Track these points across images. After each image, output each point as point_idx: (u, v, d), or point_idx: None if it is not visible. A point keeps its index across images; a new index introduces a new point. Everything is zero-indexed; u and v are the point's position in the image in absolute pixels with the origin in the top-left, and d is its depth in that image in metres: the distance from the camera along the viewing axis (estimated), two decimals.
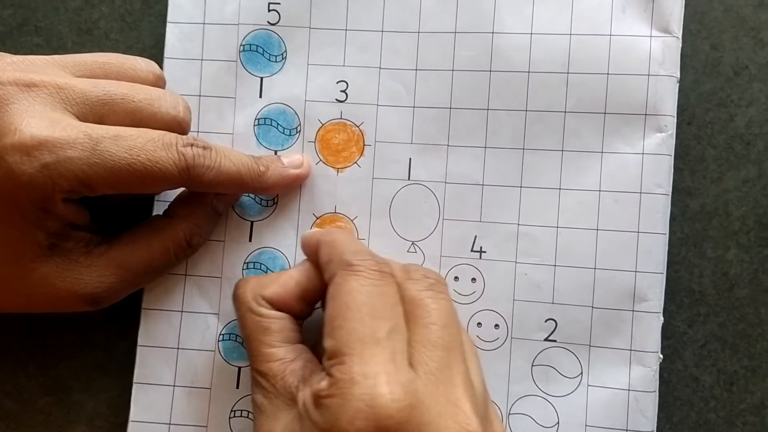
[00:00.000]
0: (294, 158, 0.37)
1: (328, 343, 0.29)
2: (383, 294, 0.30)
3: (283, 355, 0.31)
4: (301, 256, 0.36)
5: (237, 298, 0.33)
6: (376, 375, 0.28)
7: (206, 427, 0.36)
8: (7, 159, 0.30)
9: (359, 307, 0.29)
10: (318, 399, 0.28)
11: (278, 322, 0.32)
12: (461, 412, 0.29)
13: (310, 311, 0.34)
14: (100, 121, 0.32)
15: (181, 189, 0.36)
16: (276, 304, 0.33)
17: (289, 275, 0.33)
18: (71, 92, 0.32)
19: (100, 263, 0.33)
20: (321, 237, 0.33)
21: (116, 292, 0.34)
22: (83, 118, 0.32)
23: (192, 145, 0.32)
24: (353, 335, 0.29)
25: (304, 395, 0.29)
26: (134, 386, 0.37)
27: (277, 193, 0.37)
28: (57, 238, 0.32)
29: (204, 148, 0.33)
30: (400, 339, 0.29)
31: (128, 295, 0.35)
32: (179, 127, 0.34)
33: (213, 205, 0.36)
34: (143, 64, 0.35)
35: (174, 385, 0.37)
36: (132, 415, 0.36)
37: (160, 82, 0.36)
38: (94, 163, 0.30)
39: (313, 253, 0.34)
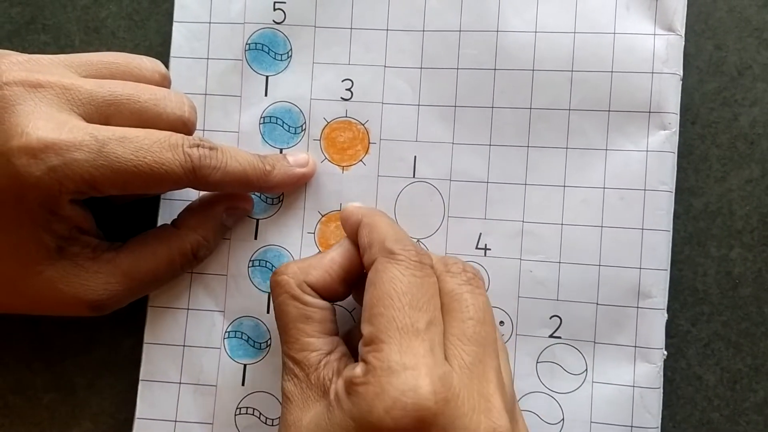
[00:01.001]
0: (299, 157, 0.37)
1: (366, 330, 0.29)
2: (423, 285, 0.30)
3: (321, 346, 0.31)
4: (306, 253, 0.37)
5: (279, 284, 0.32)
6: (415, 366, 0.28)
7: (212, 424, 0.36)
8: (14, 161, 0.30)
9: (400, 296, 0.29)
10: (352, 386, 0.28)
11: (321, 312, 0.32)
12: (493, 408, 0.29)
13: (349, 292, 0.34)
14: (106, 121, 0.32)
15: (191, 199, 0.37)
16: (321, 290, 0.32)
17: (331, 259, 0.33)
18: (77, 93, 0.32)
19: (106, 270, 0.33)
20: (363, 217, 0.33)
21: (120, 300, 0.34)
22: (89, 118, 0.32)
23: (198, 145, 0.32)
24: (392, 324, 0.29)
25: (337, 385, 0.29)
26: (140, 383, 0.37)
27: (283, 192, 0.37)
28: (64, 241, 0.32)
29: (210, 148, 0.33)
30: (438, 332, 0.29)
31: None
32: (184, 126, 0.34)
33: (222, 219, 0.36)
34: (149, 64, 0.35)
35: (180, 383, 0.37)
36: (138, 412, 0.36)
37: (165, 82, 0.36)
38: (101, 165, 0.30)
39: (352, 230, 0.34)
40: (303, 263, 0.33)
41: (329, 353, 0.31)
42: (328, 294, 0.33)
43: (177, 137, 0.32)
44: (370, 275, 0.31)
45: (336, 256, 0.33)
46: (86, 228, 0.33)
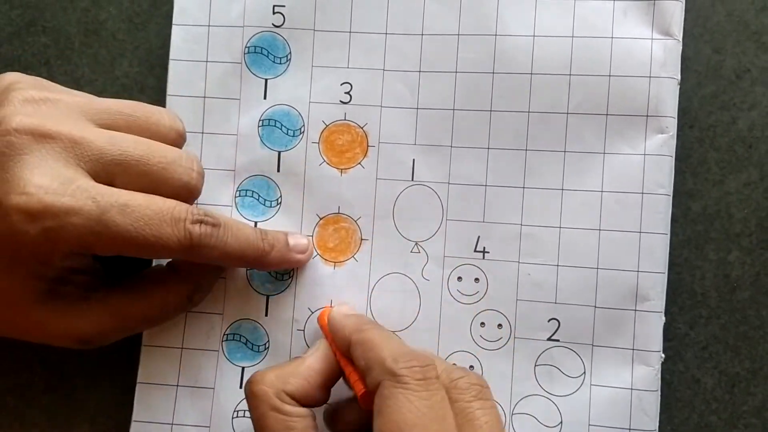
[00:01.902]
0: (300, 242, 0.36)
1: None
2: (432, 408, 0.29)
3: None
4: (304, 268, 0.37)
5: (256, 395, 0.32)
6: None
7: (209, 427, 0.36)
8: (12, 217, 0.29)
9: (411, 429, 0.28)
10: None
11: (302, 421, 0.31)
12: None
13: (328, 397, 0.33)
14: (111, 179, 0.31)
15: None
16: (300, 399, 0.32)
17: (308, 366, 0.33)
18: (87, 149, 0.31)
19: (96, 309, 0.33)
20: (352, 336, 0.32)
21: (108, 337, 0.34)
22: (95, 175, 0.31)
23: (201, 222, 0.32)
24: None
25: None
26: (138, 386, 0.37)
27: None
28: (55, 283, 0.32)
29: (213, 225, 0.32)
30: None
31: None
32: (189, 194, 0.33)
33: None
34: (167, 121, 0.35)
35: (177, 385, 0.37)
36: (135, 415, 0.36)
37: (180, 140, 0.35)
38: (98, 232, 0.30)
39: (341, 344, 0.33)
40: (280, 371, 0.32)
41: None
42: (307, 401, 0.32)
43: (181, 210, 0.32)
44: (376, 401, 0.30)
45: (313, 362, 0.33)
46: (80, 267, 0.33)
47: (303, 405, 0.32)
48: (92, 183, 0.31)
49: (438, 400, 0.29)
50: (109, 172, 0.31)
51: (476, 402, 0.30)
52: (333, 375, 0.33)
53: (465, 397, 0.30)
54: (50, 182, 0.30)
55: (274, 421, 0.31)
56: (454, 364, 0.36)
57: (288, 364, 0.33)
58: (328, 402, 0.34)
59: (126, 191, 0.31)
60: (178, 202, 0.32)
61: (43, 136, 0.30)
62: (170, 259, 0.36)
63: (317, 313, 0.36)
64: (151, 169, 0.32)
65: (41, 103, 0.32)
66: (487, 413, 0.30)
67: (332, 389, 0.34)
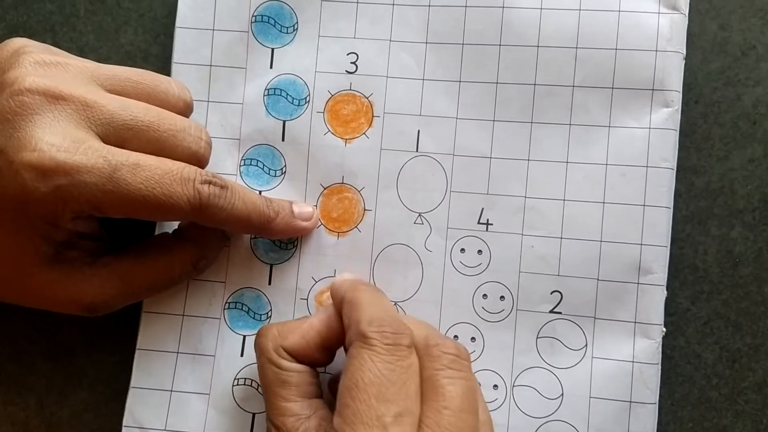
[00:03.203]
0: (305, 210, 0.36)
1: (335, 421, 0.29)
2: (394, 372, 0.29)
3: (298, 410, 0.31)
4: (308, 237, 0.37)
5: (258, 347, 0.33)
6: None
7: (209, 394, 0.36)
8: (23, 174, 0.29)
9: (367, 387, 0.28)
10: None
11: (297, 376, 0.32)
12: None
13: (331, 359, 0.34)
14: (121, 143, 0.31)
15: None
16: (297, 356, 0.32)
17: (309, 324, 0.33)
18: (98, 112, 0.31)
19: (102, 274, 0.33)
20: (345, 294, 0.32)
21: (114, 304, 0.34)
22: (106, 139, 0.31)
23: (210, 182, 0.32)
24: (358, 417, 0.28)
25: None
26: (137, 352, 0.36)
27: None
28: (62, 247, 0.32)
29: (222, 187, 0.32)
30: (410, 422, 0.28)
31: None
32: (198, 162, 0.33)
33: (223, 230, 0.36)
34: (176, 90, 0.35)
35: (177, 352, 0.36)
36: (133, 381, 0.36)
37: (188, 110, 0.35)
38: (108, 190, 0.30)
39: (338, 307, 0.33)
40: (283, 327, 0.33)
41: (308, 417, 0.31)
42: (305, 359, 0.32)
43: (190, 170, 0.32)
44: (345, 361, 0.30)
45: (316, 322, 0.33)
46: (87, 233, 0.33)
47: (301, 362, 0.32)
48: (103, 144, 0.31)
49: (404, 365, 0.29)
50: (120, 136, 0.31)
51: (446, 371, 0.30)
52: (334, 337, 0.33)
53: (435, 365, 0.30)
54: (62, 141, 0.30)
55: (271, 372, 0.32)
56: (456, 336, 0.36)
57: (292, 322, 0.33)
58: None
59: (136, 153, 0.31)
60: (187, 164, 0.32)
61: (55, 98, 0.30)
62: (176, 228, 0.36)
63: (321, 283, 0.36)
64: (162, 135, 0.32)
65: (52, 66, 0.32)
66: (454, 383, 0.30)
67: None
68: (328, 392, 0.34)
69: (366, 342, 0.30)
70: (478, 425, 0.30)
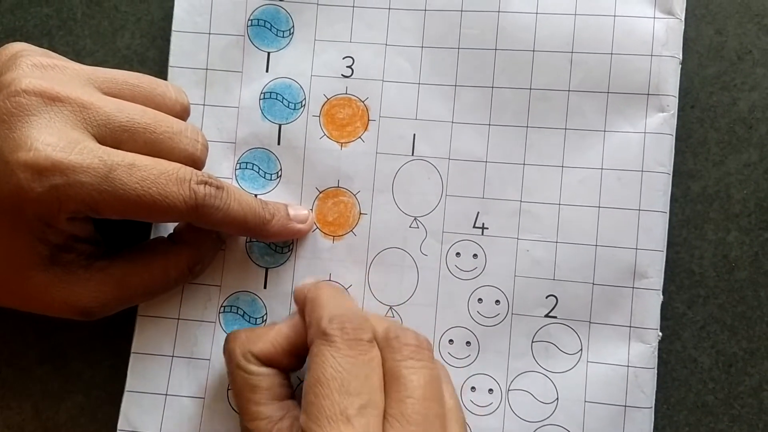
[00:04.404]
0: (300, 213, 0.36)
1: (301, 418, 0.29)
2: (356, 365, 0.30)
3: (270, 413, 0.31)
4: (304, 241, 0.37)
5: (226, 353, 0.33)
6: None
7: (203, 398, 0.36)
8: (18, 174, 0.29)
9: (329, 383, 0.29)
10: None
11: (267, 379, 0.32)
12: None
13: (301, 363, 0.34)
14: (117, 145, 0.31)
15: None
16: (265, 361, 0.32)
17: (277, 330, 0.33)
18: (95, 113, 0.31)
19: (97, 278, 0.33)
20: (308, 293, 0.33)
21: (110, 308, 0.34)
22: (101, 140, 0.31)
23: (206, 183, 0.32)
24: (322, 413, 0.28)
25: None
26: (132, 356, 0.36)
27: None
28: (58, 249, 0.32)
29: (217, 187, 0.32)
30: (375, 414, 0.29)
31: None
32: (194, 164, 0.33)
33: (218, 233, 0.36)
34: (172, 93, 0.35)
35: (172, 356, 0.36)
36: (128, 385, 0.36)
37: (185, 114, 0.35)
38: (104, 190, 0.30)
39: (301, 309, 0.33)
40: (251, 333, 0.33)
41: (281, 419, 0.31)
42: (273, 364, 0.33)
43: (186, 171, 0.32)
44: (307, 359, 0.31)
45: (283, 327, 0.33)
46: (83, 236, 0.32)
47: (270, 367, 0.32)
48: (99, 145, 0.31)
49: (365, 359, 0.30)
50: (116, 138, 0.31)
51: (407, 361, 0.30)
52: (301, 342, 0.33)
53: (396, 357, 0.31)
54: (58, 141, 0.30)
55: (239, 377, 0.32)
56: (451, 341, 0.36)
57: (261, 328, 0.34)
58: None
59: (132, 153, 0.31)
60: (183, 165, 0.32)
61: (51, 99, 0.30)
62: (171, 231, 0.36)
63: None
64: (158, 137, 0.32)
65: (49, 68, 0.32)
66: (416, 372, 0.30)
67: None
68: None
69: (327, 339, 0.30)
70: (444, 411, 0.30)
